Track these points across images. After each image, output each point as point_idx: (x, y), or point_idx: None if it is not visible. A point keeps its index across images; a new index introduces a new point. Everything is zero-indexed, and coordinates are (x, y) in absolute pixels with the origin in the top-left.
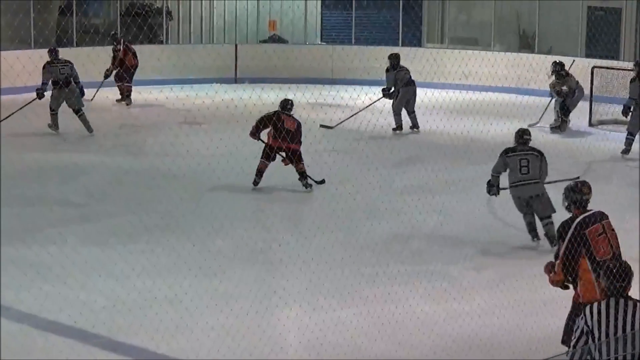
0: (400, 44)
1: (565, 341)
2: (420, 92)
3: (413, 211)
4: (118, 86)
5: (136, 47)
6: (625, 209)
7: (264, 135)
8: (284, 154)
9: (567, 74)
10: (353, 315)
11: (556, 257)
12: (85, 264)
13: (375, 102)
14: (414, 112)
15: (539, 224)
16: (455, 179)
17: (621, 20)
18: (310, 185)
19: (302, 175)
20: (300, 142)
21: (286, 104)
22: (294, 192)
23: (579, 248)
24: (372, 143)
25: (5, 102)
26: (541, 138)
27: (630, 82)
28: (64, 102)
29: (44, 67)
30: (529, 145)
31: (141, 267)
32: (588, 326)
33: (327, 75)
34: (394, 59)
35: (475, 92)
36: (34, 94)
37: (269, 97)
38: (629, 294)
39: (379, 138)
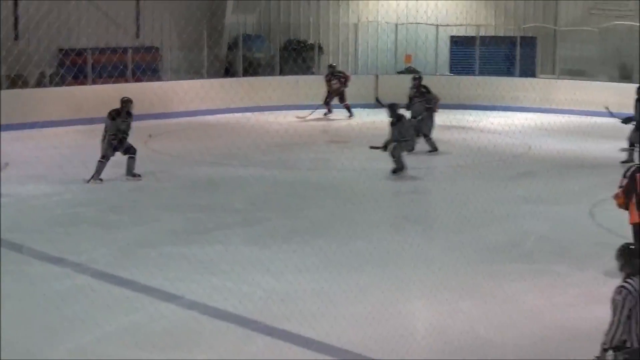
0: (517, 75)
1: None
2: (534, 117)
3: (525, 218)
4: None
5: (292, 78)
6: None
7: None
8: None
9: None
10: (472, 306)
11: (619, 187)
12: (246, 261)
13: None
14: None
15: None
16: (563, 190)
17: None
18: None
19: None
20: None
21: None
22: (424, 201)
23: (631, 183)
24: (491, 159)
25: (183, 124)
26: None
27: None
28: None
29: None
30: None
31: (293, 264)
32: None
33: (454, 101)
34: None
35: (582, 116)
36: (207, 117)
37: None
38: None
39: (497, 155)
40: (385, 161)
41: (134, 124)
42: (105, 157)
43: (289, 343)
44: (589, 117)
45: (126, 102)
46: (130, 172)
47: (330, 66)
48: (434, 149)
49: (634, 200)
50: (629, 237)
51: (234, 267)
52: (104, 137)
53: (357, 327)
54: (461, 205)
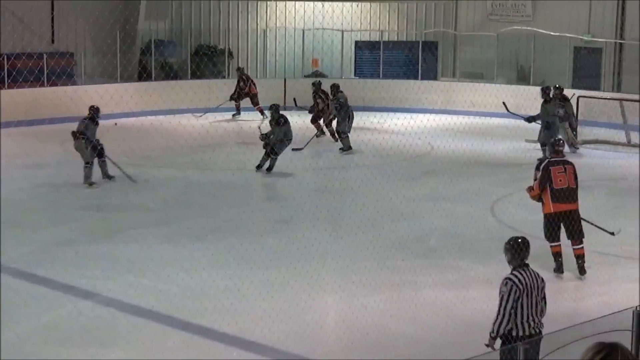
0: (419, 78)
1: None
2: (436, 118)
3: (429, 215)
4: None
5: (203, 82)
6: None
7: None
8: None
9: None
10: (380, 300)
11: (534, 180)
12: (161, 259)
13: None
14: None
15: None
16: (463, 189)
17: (602, 58)
18: None
19: None
20: None
21: None
22: (332, 199)
23: (545, 176)
24: (396, 159)
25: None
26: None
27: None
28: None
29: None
30: None
31: (207, 261)
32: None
33: (359, 103)
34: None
35: (481, 117)
36: (119, 120)
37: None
38: None
39: (402, 155)
40: (296, 161)
41: (50, 128)
42: (90, 163)
43: (204, 338)
44: (487, 118)
45: (97, 110)
46: (106, 174)
47: (238, 69)
48: (347, 147)
49: (548, 192)
50: (527, 232)
51: (150, 265)
52: (84, 143)
53: (269, 322)
54: (368, 203)
